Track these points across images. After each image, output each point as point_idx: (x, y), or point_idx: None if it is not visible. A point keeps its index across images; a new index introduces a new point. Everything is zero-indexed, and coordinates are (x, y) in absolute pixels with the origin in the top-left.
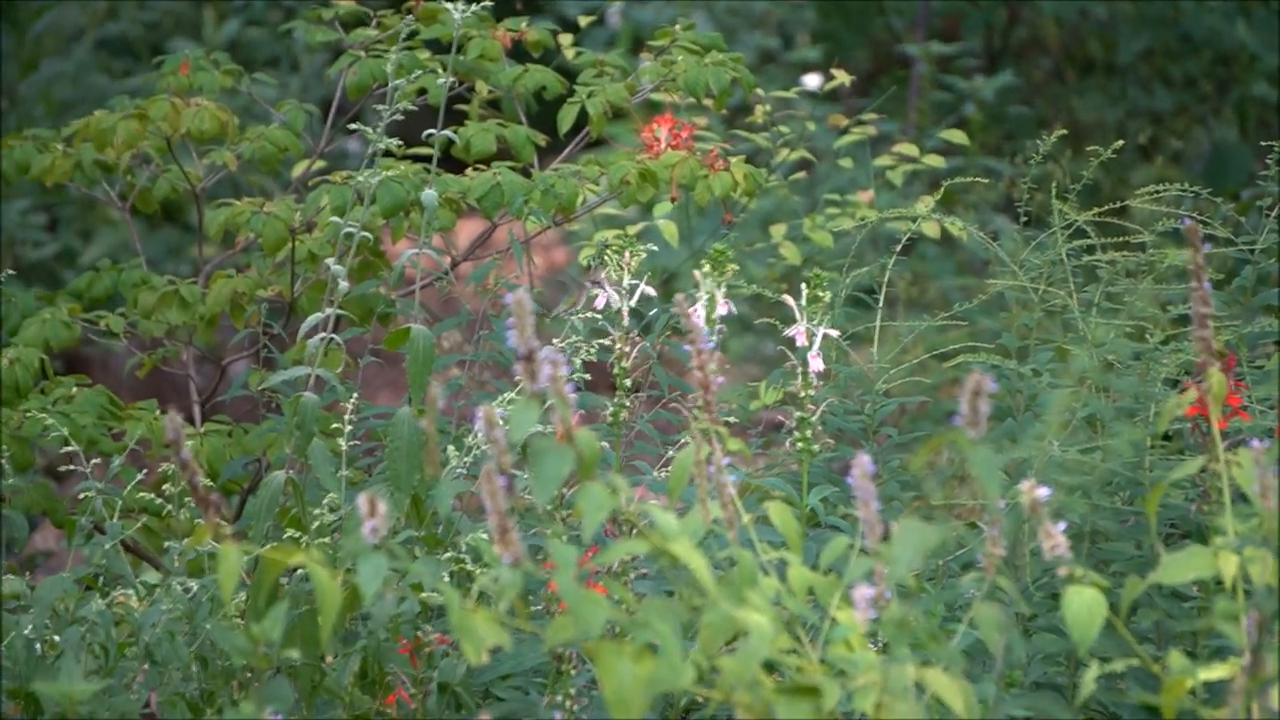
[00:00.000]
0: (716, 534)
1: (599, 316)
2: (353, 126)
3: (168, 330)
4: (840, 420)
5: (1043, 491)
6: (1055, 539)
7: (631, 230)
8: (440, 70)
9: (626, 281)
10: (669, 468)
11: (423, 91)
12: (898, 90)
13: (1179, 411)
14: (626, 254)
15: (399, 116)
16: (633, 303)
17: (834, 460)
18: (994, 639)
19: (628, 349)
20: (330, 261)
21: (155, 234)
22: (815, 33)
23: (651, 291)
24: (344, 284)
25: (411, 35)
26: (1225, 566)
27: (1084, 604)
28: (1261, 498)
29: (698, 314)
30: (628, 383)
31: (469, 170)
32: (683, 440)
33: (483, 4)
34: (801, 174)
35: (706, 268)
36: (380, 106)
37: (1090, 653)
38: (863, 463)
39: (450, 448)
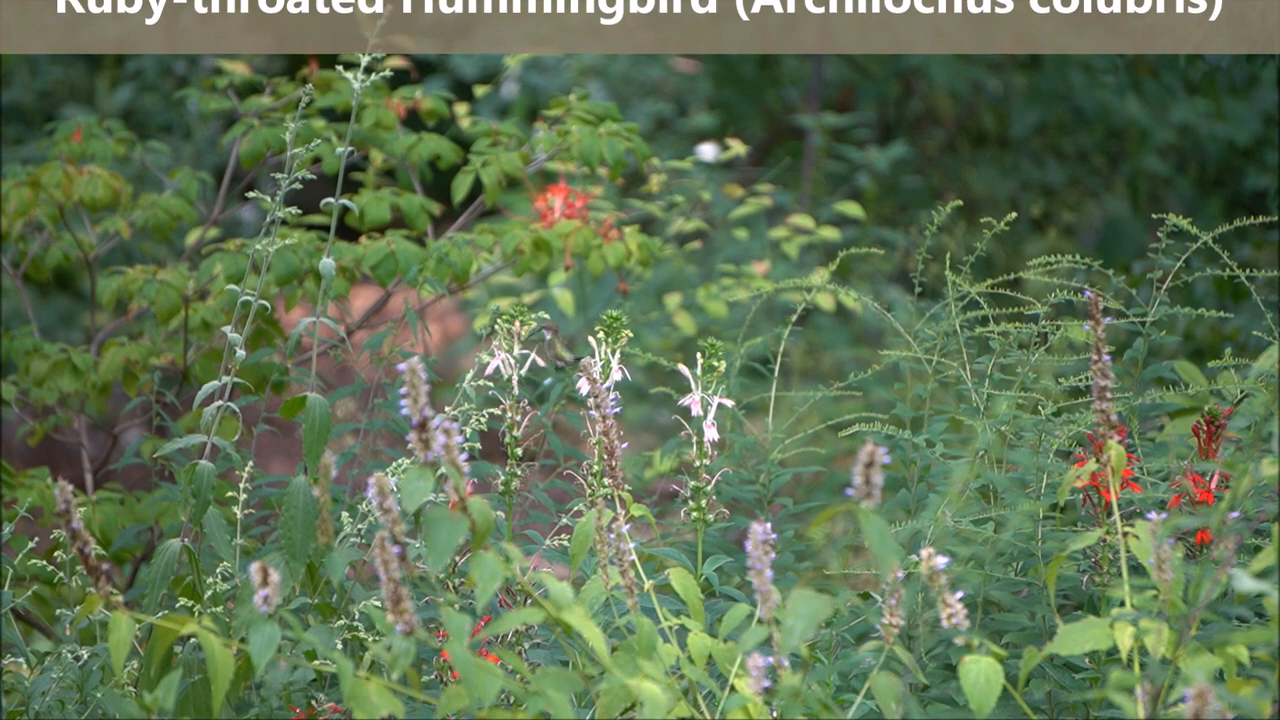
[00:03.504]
0: (616, 600)
1: (491, 385)
2: (250, 195)
3: (60, 398)
4: (735, 490)
5: (941, 560)
6: (954, 608)
7: (527, 299)
8: (335, 139)
9: (517, 350)
10: (564, 536)
11: (318, 160)
12: (792, 161)
13: (1078, 483)
14: (517, 323)
15: (296, 185)
16: (523, 371)
17: (729, 530)
18: (891, 709)
19: (518, 418)
20: (227, 329)
21: (48, 302)
22: (710, 101)
23: (542, 361)
24: (241, 352)
25: (307, 104)
26: (1121, 638)
27: (981, 673)
28: (1158, 569)
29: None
30: (519, 451)
31: (363, 239)
32: (577, 509)
33: (380, 73)
34: (697, 243)
35: (601, 334)
36: (278, 175)
37: None
38: (758, 531)
39: (345, 515)
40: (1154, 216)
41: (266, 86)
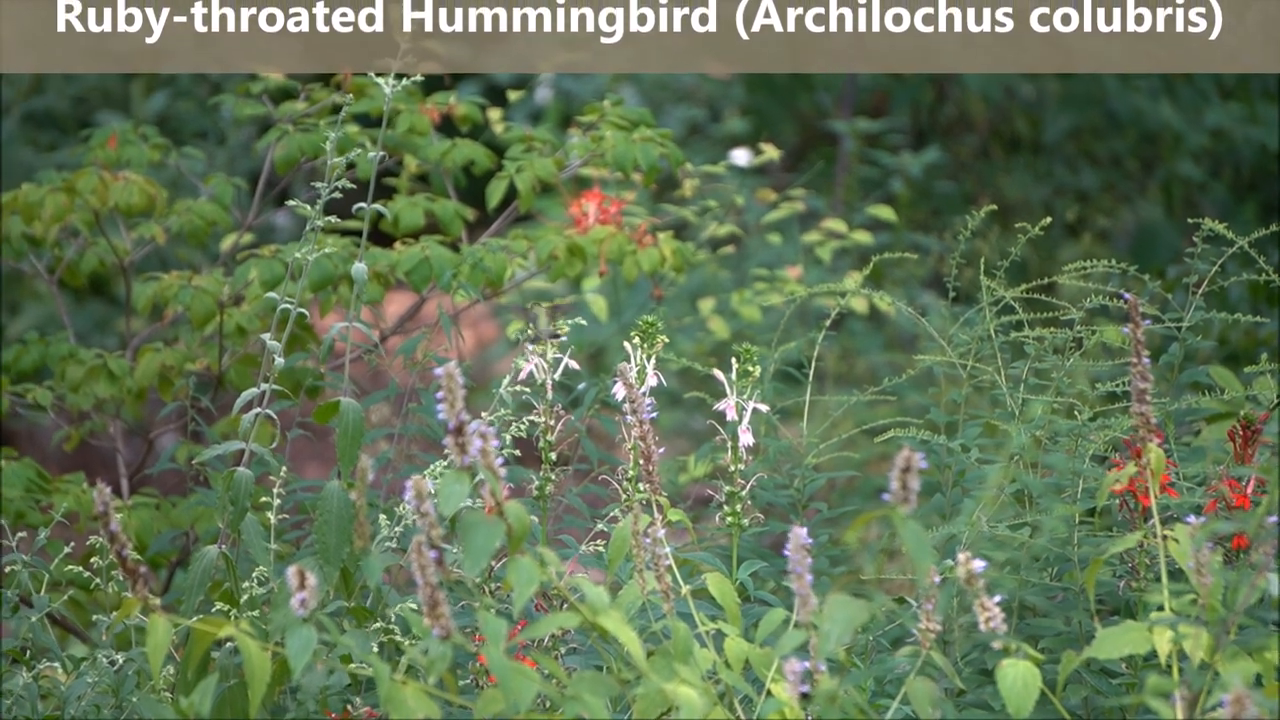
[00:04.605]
0: (653, 605)
1: (526, 390)
2: (290, 203)
3: (95, 403)
4: (769, 495)
5: (978, 564)
6: (991, 612)
7: (560, 303)
8: (370, 144)
9: (551, 355)
10: (598, 542)
11: (352, 165)
12: (825, 166)
13: (1118, 486)
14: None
15: (336, 194)
16: (557, 376)
17: (763, 535)
18: (927, 713)
19: (553, 422)
20: (266, 336)
21: (83, 307)
22: (743, 107)
23: (575, 365)
24: (279, 359)
25: (339, 109)
26: (1160, 642)
27: (1019, 677)
28: (1197, 574)
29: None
30: (553, 456)
31: (397, 244)
32: (612, 514)
33: (413, 79)
34: (730, 248)
35: (636, 339)
36: (317, 184)
37: None
38: (798, 535)
39: (381, 519)
40: (1188, 221)
41: (301, 92)
